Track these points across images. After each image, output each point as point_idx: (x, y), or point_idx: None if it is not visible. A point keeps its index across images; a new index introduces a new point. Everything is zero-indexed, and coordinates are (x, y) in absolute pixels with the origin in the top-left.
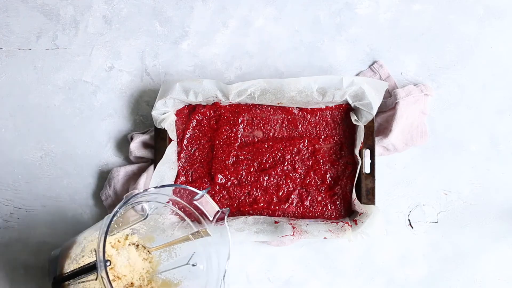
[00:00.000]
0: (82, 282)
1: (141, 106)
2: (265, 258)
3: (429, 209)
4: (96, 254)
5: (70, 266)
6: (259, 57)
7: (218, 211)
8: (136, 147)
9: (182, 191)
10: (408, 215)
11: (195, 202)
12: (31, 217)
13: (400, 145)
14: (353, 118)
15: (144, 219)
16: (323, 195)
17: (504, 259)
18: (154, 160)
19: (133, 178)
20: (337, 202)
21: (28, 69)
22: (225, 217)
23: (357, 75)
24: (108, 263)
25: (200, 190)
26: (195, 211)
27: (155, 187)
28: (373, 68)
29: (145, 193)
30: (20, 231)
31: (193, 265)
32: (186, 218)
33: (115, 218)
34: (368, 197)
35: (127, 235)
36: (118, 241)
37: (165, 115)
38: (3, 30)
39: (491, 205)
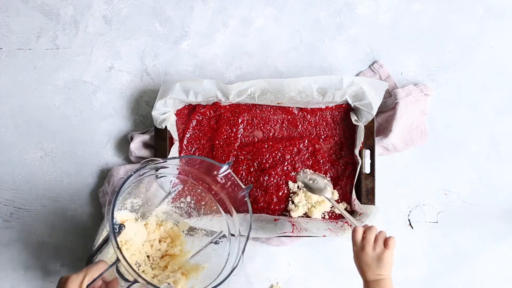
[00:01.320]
0: (101, 252)
1: (141, 106)
2: (265, 258)
3: (429, 209)
4: (106, 221)
5: (98, 241)
6: (259, 57)
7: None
8: (136, 147)
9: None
10: (408, 215)
11: (218, 177)
12: (31, 217)
13: (400, 145)
14: (353, 118)
15: (167, 195)
16: None
17: (504, 259)
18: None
19: None
20: (337, 202)
21: (28, 69)
22: (246, 193)
23: (357, 75)
24: (123, 227)
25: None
26: (220, 192)
27: (171, 158)
28: (373, 68)
29: (162, 160)
30: (20, 231)
31: (215, 242)
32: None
33: (129, 181)
34: (368, 197)
35: (162, 221)
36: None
37: (165, 115)
38: (3, 30)
39: (491, 205)
